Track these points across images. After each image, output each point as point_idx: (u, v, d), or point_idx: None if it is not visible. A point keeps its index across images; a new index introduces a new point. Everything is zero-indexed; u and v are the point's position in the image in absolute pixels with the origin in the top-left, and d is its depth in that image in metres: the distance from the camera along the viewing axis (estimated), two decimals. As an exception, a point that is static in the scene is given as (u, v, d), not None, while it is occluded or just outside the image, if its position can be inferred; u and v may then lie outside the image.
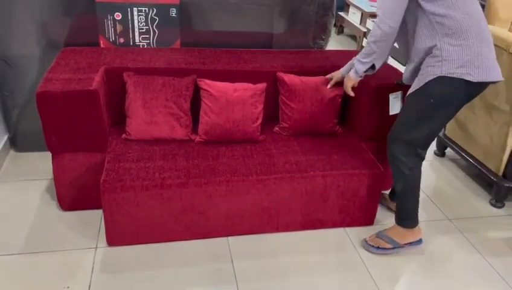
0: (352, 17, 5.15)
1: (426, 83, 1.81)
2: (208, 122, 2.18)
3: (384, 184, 2.32)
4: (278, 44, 2.68)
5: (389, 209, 2.40)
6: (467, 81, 1.75)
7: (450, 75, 1.76)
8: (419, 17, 1.81)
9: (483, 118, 2.55)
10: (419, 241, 2.09)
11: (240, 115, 2.19)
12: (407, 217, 2.06)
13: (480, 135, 2.60)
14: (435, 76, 1.78)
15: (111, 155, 2.04)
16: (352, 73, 2.05)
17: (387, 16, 1.80)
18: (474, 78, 1.75)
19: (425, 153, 1.97)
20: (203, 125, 2.19)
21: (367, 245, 2.11)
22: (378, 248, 2.08)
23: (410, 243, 2.08)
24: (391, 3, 1.79)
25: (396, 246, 2.07)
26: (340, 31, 5.70)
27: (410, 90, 1.90)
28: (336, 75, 2.27)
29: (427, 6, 1.77)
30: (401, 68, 2.80)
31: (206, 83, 2.21)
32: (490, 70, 1.78)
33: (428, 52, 1.81)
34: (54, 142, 2.03)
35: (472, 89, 1.80)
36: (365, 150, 2.27)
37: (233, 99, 2.19)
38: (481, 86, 1.81)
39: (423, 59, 1.85)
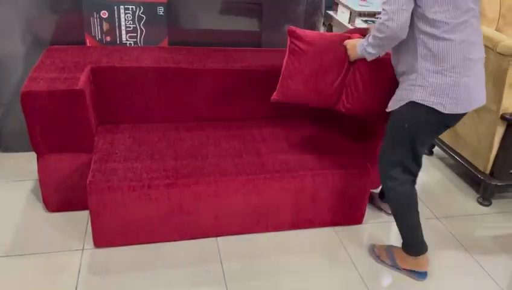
0: (341, 15, 5.16)
1: (400, 107, 1.76)
2: (289, 87, 1.97)
3: (373, 183, 2.32)
4: (266, 43, 2.67)
5: (379, 208, 2.41)
6: (437, 110, 1.69)
7: (422, 102, 1.69)
8: (411, 28, 1.68)
9: (471, 117, 2.57)
10: (423, 274, 1.96)
11: (328, 83, 1.93)
12: (408, 243, 1.96)
13: (468, 134, 2.62)
14: (408, 100, 1.73)
15: (97, 155, 2.01)
16: (359, 51, 1.86)
17: (392, 13, 1.61)
18: (445, 109, 1.68)
19: (415, 172, 1.89)
20: (283, 88, 1.98)
21: (372, 251, 2.09)
22: (378, 257, 2.06)
23: (411, 271, 1.97)
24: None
25: (395, 267, 2.01)
26: (329, 29, 5.70)
27: (388, 109, 1.85)
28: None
29: (421, 25, 1.65)
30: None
31: (298, 35, 1.92)
32: (468, 101, 1.70)
33: (408, 71, 1.74)
34: (39, 142, 2.00)
35: (445, 119, 1.73)
36: (354, 149, 2.27)
37: (329, 63, 1.92)
38: (456, 116, 1.74)
39: (401, 76, 1.79)
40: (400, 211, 1.94)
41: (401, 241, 1.99)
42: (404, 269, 1.99)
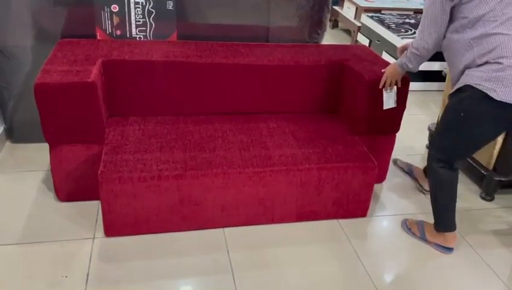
0: (347, 11, 5.17)
1: (457, 90, 1.86)
2: None
3: (378, 177, 2.36)
4: (274, 38, 2.70)
5: (418, 185, 2.60)
6: (490, 98, 1.73)
7: (476, 86, 1.76)
8: (456, 41, 1.85)
9: (475, 113, 2.59)
10: (449, 249, 2.13)
11: None
12: (436, 220, 2.12)
13: (472, 129, 2.64)
14: (464, 84, 1.82)
15: (108, 147, 2.06)
16: (399, 66, 2.11)
17: (425, 35, 1.89)
18: (497, 95, 1.72)
19: (457, 164, 2.00)
20: None
21: (404, 224, 2.27)
22: (409, 230, 2.23)
23: (438, 245, 2.14)
24: (429, 25, 1.87)
25: (423, 239, 2.18)
26: (334, 25, 5.72)
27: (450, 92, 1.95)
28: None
29: (466, 34, 1.80)
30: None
31: None
32: None
33: (466, 67, 1.85)
34: (52, 133, 2.04)
35: (498, 110, 1.76)
36: (359, 143, 2.31)
37: None
38: (508, 108, 1.74)
39: (461, 72, 1.89)
40: (436, 195, 2.08)
41: (433, 217, 2.13)
42: (431, 242, 2.15)
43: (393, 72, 2.16)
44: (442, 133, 1.99)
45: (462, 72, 1.87)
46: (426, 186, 2.51)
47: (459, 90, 1.86)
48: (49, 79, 1.96)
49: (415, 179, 2.62)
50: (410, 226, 2.23)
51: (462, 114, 1.85)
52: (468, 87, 1.80)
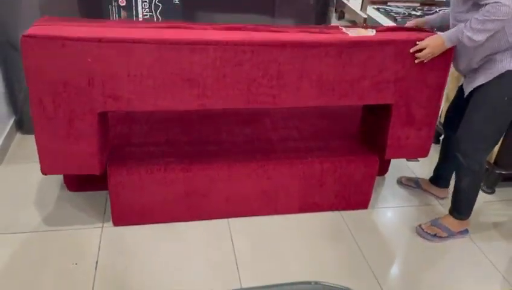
0: (353, 3, 5.15)
1: (496, 77, 1.84)
2: None
3: (380, 170, 2.39)
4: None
5: (430, 193, 2.52)
6: None
7: None
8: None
9: (478, 107, 2.61)
10: (467, 230, 2.22)
11: None
12: (465, 211, 2.16)
13: (474, 123, 2.66)
14: (506, 70, 1.82)
15: (116, 140, 2.11)
16: (448, 40, 1.85)
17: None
18: None
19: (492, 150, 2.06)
20: None
21: (423, 232, 2.19)
22: (435, 235, 2.17)
23: (462, 231, 2.20)
24: None
25: (451, 235, 2.18)
26: (341, 16, 5.70)
27: (477, 84, 1.90)
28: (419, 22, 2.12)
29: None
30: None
31: None
32: None
33: (495, 51, 1.83)
34: None
35: None
36: (362, 137, 2.33)
37: None
38: None
39: (483, 58, 1.88)
40: (474, 188, 2.11)
41: (454, 210, 2.18)
42: (458, 232, 2.19)
43: (439, 48, 1.87)
44: (487, 123, 1.94)
45: (485, 58, 1.87)
46: (441, 194, 2.49)
47: (497, 77, 1.85)
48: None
49: (425, 191, 2.52)
50: (432, 231, 2.17)
51: (506, 98, 1.86)
52: (508, 73, 1.83)
